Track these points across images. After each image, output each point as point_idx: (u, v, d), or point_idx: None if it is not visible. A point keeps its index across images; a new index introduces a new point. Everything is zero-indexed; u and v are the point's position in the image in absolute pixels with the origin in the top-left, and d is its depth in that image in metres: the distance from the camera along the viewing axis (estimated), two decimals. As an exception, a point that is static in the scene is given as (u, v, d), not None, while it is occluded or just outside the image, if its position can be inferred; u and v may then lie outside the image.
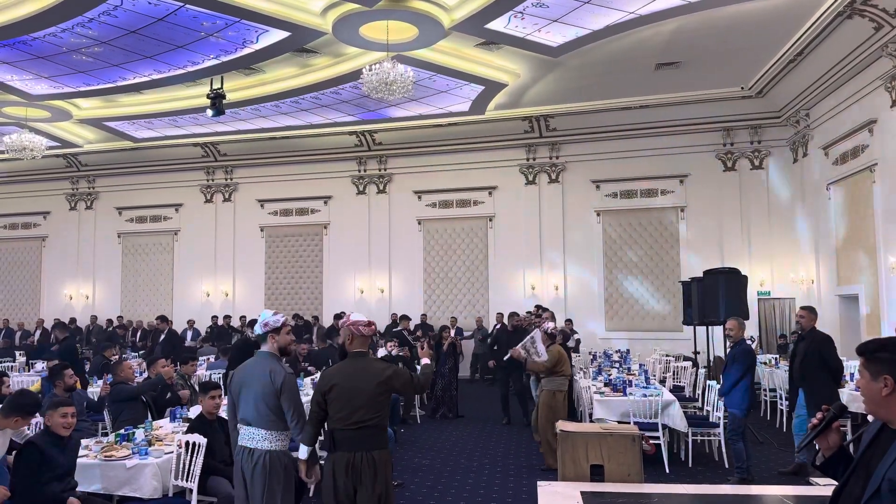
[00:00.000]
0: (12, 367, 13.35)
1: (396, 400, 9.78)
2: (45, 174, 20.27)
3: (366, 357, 4.25)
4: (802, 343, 7.52)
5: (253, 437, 4.19)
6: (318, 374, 9.97)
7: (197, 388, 7.91)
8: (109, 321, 18.90)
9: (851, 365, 9.70)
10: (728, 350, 8.01)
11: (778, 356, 12.48)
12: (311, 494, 6.73)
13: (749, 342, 7.68)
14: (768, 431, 9.73)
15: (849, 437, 6.50)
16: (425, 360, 4.73)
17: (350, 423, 4.03)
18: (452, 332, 15.77)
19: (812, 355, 7.29)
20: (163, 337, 14.63)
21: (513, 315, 12.44)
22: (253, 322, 8.23)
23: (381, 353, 11.16)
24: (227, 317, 17.71)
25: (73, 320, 19.03)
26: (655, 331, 16.04)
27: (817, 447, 2.59)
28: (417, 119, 16.42)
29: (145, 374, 8.71)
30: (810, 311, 7.63)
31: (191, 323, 18.01)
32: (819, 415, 2.54)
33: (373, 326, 4.31)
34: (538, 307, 13.25)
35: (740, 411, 7.11)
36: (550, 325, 8.79)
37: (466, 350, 16.26)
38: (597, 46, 12.09)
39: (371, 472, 4.01)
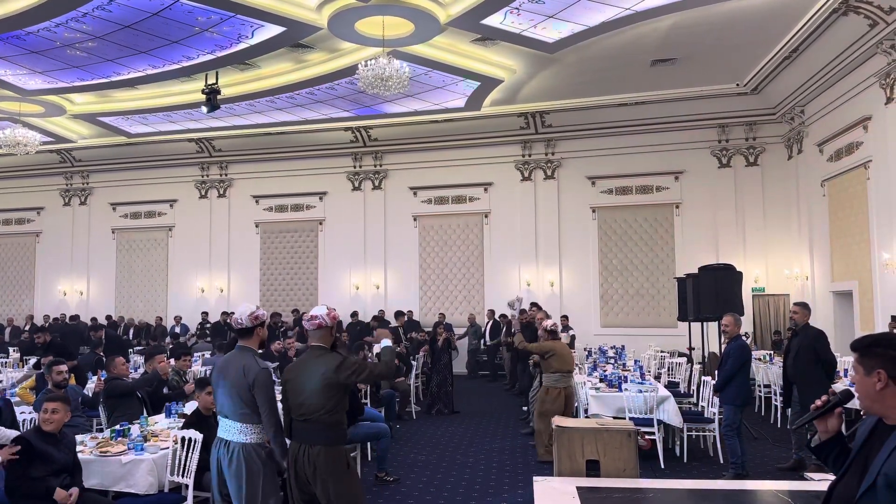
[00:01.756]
0: (6, 363, 13.30)
1: (392, 396, 9.79)
2: (39, 169, 20.18)
3: (319, 350, 4.22)
4: (796, 339, 7.56)
5: (229, 430, 4.22)
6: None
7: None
8: (85, 319, 18.77)
9: (845, 360, 9.75)
10: (724, 346, 8.03)
11: (772, 352, 12.52)
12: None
13: (744, 338, 7.70)
14: (763, 427, 9.77)
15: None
16: (385, 342, 4.48)
17: (298, 415, 4.10)
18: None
19: (806, 351, 7.34)
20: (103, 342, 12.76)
21: (522, 312, 12.58)
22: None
23: (377, 349, 11.17)
24: (224, 313, 17.68)
25: (73, 317, 18.98)
26: (650, 327, 16.09)
27: (809, 436, 2.61)
28: (413, 115, 16.41)
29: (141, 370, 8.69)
30: (804, 307, 7.68)
31: (178, 319, 18.01)
32: (824, 397, 2.56)
33: (317, 321, 4.20)
34: (533, 304, 13.31)
35: (735, 407, 7.14)
36: (550, 321, 8.82)
37: (462, 347, 16.31)
38: (593, 43, 12.09)
39: (311, 467, 3.98)
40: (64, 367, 7.04)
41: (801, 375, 7.32)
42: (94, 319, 18.45)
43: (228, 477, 4.17)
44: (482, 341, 16.22)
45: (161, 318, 18.69)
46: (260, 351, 4.72)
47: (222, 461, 4.21)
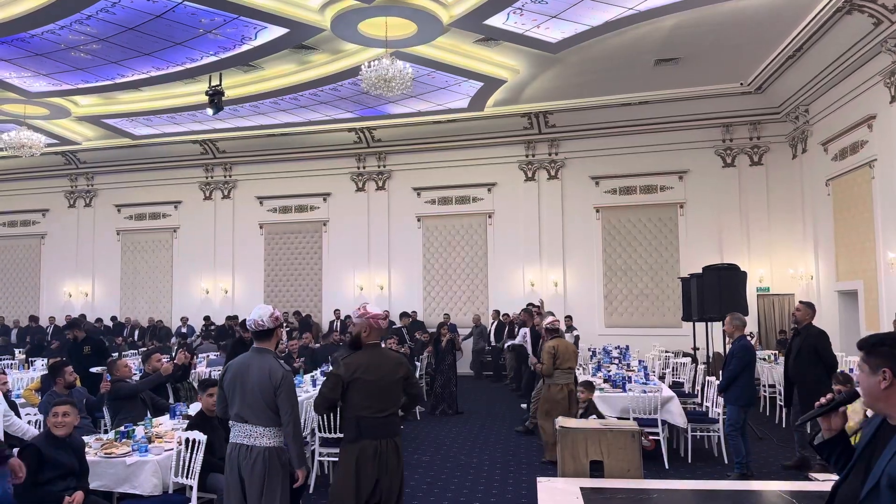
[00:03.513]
0: (12, 364, 13.35)
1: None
2: (44, 171, 20.25)
3: (381, 348, 4.42)
4: (797, 338, 7.57)
5: (250, 434, 4.15)
6: (317, 371, 9.97)
7: (196, 385, 7.92)
8: (90, 321, 18.83)
9: (851, 360, 9.72)
10: (728, 346, 8.03)
11: (777, 352, 12.49)
12: (310, 491, 6.74)
13: (748, 338, 7.67)
14: (768, 427, 9.74)
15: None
16: None
17: (377, 412, 4.16)
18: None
19: (807, 350, 7.36)
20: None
21: (527, 311, 12.64)
22: (243, 322, 8.20)
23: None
24: (228, 317, 17.62)
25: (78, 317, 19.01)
26: (655, 327, 16.05)
27: (810, 429, 2.61)
28: (416, 116, 16.41)
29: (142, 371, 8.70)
30: (807, 307, 7.68)
31: (184, 320, 18.03)
32: (829, 395, 2.56)
33: (384, 320, 4.52)
34: (527, 307, 13.30)
35: (739, 407, 7.11)
36: (549, 319, 8.76)
37: (466, 347, 16.31)
38: (596, 42, 12.08)
39: (395, 458, 4.21)
40: (71, 368, 7.07)
41: (802, 375, 7.32)
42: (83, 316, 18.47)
43: (249, 481, 4.11)
44: (487, 342, 16.20)
45: (161, 321, 18.70)
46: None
47: (243, 467, 4.14)
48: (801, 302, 7.87)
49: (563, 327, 12.98)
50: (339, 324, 16.57)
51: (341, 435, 6.59)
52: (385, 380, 4.21)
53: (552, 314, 10.17)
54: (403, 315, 16.22)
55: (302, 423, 7.12)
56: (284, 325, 16.49)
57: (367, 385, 4.15)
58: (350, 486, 4.08)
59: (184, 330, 17.57)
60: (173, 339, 17.12)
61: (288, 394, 4.14)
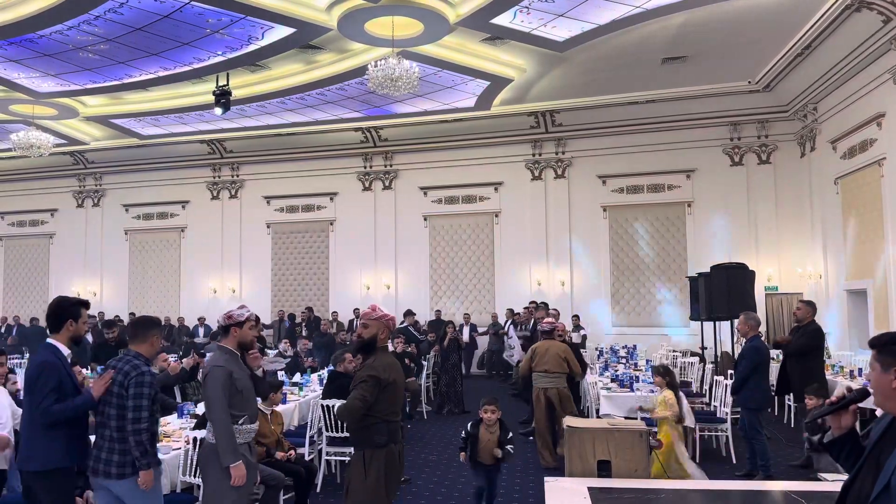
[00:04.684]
0: (21, 363, 13.42)
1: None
2: (53, 171, 20.35)
3: (388, 350, 4.44)
4: (796, 334, 7.71)
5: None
6: (324, 372, 9.96)
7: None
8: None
9: (861, 360, 9.68)
10: (739, 346, 8.10)
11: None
12: (318, 490, 6.74)
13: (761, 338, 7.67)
14: (776, 427, 9.69)
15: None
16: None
17: (397, 415, 4.21)
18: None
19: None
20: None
21: (533, 309, 12.59)
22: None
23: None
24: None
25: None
26: (662, 326, 16.00)
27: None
28: (423, 115, 16.41)
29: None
30: (807, 305, 7.79)
31: (201, 320, 18.06)
32: (839, 392, 2.54)
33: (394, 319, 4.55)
34: (540, 303, 13.26)
35: (748, 410, 7.05)
36: (544, 321, 8.79)
37: (481, 346, 16.32)
38: (603, 41, 12.05)
39: (403, 460, 4.31)
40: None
41: (800, 369, 7.54)
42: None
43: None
44: (504, 340, 16.10)
45: (183, 317, 18.74)
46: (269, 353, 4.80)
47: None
48: (800, 301, 8.02)
49: (569, 327, 12.97)
50: (357, 323, 16.56)
51: (347, 435, 6.62)
52: (401, 382, 4.28)
53: (546, 310, 10.12)
54: (408, 313, 16.21)
55: (309, 422, 7.14)
56: (301, 322, 16.49)
57: (395, 388, 4.16)
58: (382, 492, 4.07)
59: (200, 330, 17.61)
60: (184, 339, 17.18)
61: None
